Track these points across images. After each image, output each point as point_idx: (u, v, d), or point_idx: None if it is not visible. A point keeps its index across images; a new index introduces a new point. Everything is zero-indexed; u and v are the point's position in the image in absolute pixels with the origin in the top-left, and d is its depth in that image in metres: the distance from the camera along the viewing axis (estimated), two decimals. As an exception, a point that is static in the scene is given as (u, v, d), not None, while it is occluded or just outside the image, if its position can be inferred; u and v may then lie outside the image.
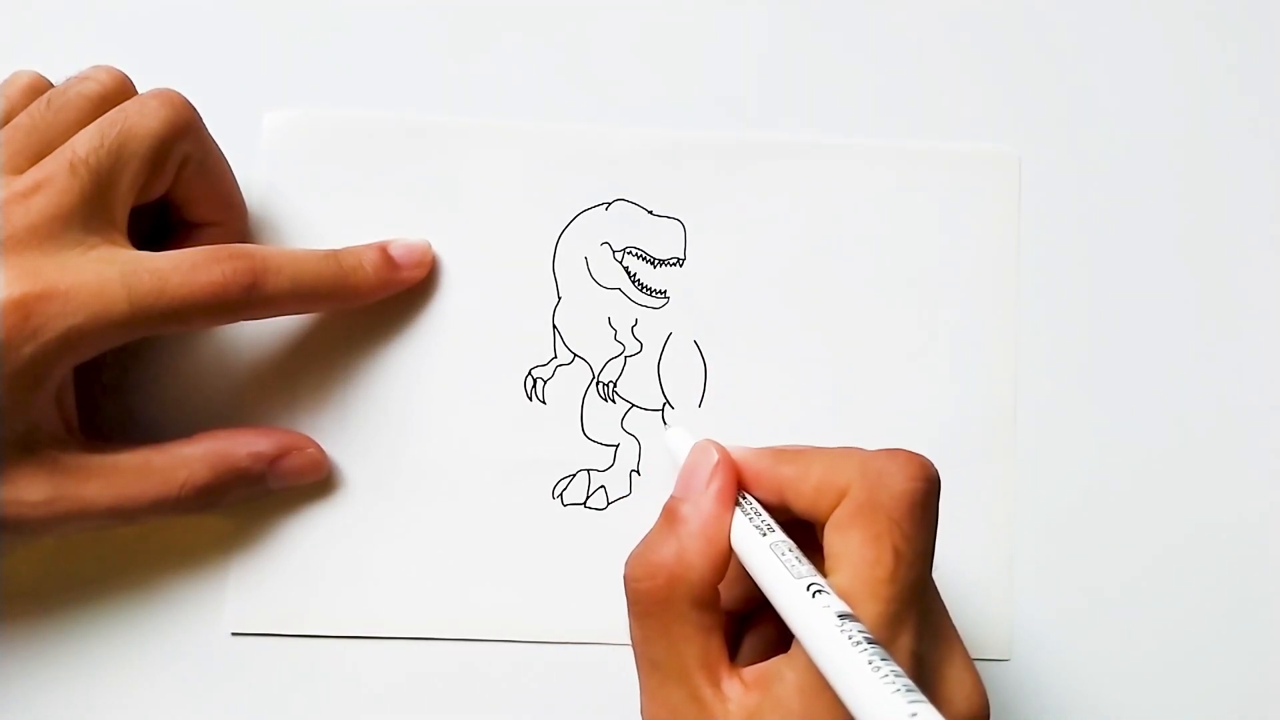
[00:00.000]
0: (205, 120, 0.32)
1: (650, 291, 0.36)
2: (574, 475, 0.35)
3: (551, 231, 0.36)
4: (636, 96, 0.37)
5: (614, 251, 0.36)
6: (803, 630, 0.23)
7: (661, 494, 0.28)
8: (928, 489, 0.26)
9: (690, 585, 0.26)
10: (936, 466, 0.27)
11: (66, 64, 0.32)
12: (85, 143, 0.30)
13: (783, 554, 0.25)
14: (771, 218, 0.36)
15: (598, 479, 0.35)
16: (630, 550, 0.27)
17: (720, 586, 0.27)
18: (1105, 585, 0.35)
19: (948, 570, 0.26)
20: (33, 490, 0.29)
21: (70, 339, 0.28)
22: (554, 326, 0.35)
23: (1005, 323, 0.36)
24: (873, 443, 0.28)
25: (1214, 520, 0.35)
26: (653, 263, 0.36)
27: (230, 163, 0.33)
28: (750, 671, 0.25)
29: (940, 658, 0.26)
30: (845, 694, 0.22)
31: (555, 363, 0.35)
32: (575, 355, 0.35)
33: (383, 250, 0.34)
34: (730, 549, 0.27)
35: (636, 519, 0.33)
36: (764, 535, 0.26)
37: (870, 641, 0.22)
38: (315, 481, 0.34)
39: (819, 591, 0.24)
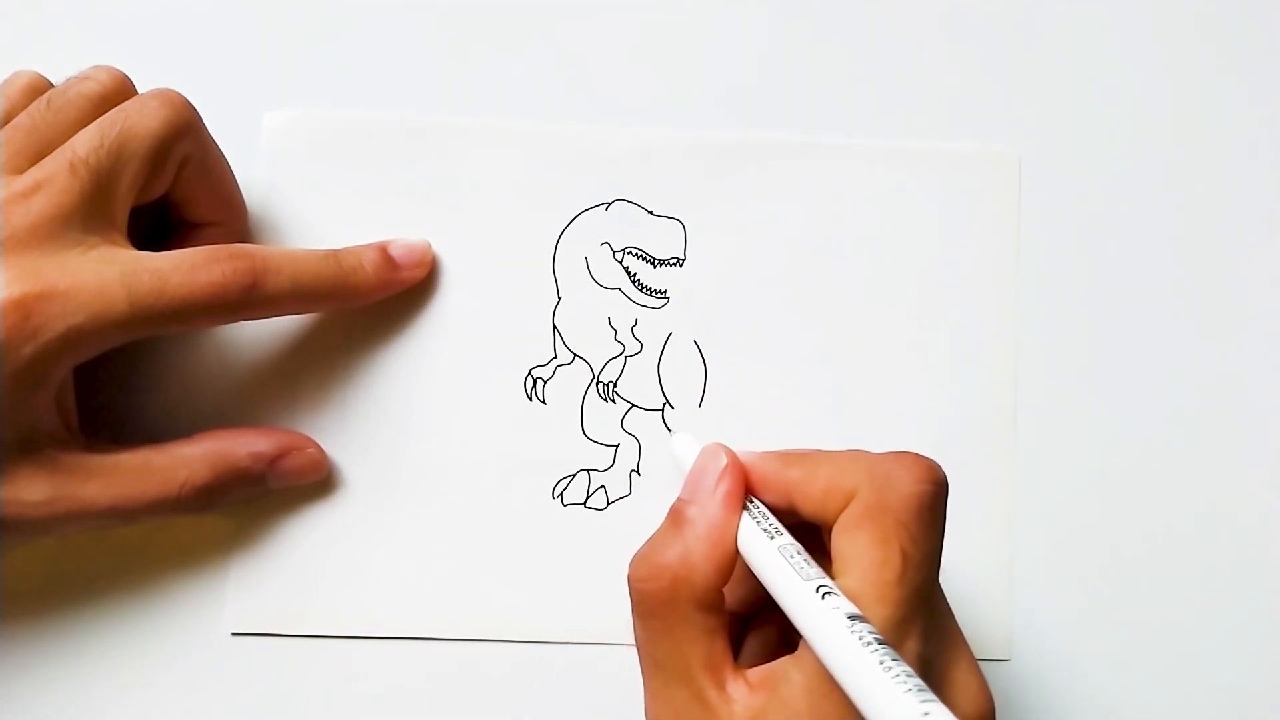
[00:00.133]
0: (205, 120, 0.32)
1: (650, 291, 0.36)
2: (574, 475, 0.35)
3: (551, 231, 0.36)
4: (636, 96, 0.37)
5: (614, 251, 0.36)
6: (812, 632, 0.23)
7: (662, 494, 0.28)
8: (935, 492, 0.26)
9: (695, 587, 0.26)
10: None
11: (66, 64, 0.32)
12: (85, 143, 0.30)
13: (791, 556, 0.25)
14: (771, 218, 0.36)
15: (598, 479, 0.35)
16: (630, 550, 0.27)
17: (724, 588, 0.27)
18: (1105, 585, 0.35)
19: (948, 570, 0.26)
20: (33, 490, 0.29)
21: (70, 339, 0.28)
22: (554, 326, 0.35)
23: (1005, 323, 0.36)
24: (872, 442, 0.28)
25: (1214, 520, 0.35)
26: (653, 263, 0.36)
27: (230, 163, 0.33)
28: (755, 673, 0.25)
29: (947, 661, 0.26)
30: (856, 694, 0.22)
31: (555, 363, 0.35)
32: (575, 355, 0.35)
33: (383, 250, 0.34)
34: (736, 552, 0.27)
35: (636, 519, 0.33)
36: (772, 538, 0.26)
37: (881, 642, 0.22)
38: (315, 481, 0.34)
39: (828, 593, 0.24)
